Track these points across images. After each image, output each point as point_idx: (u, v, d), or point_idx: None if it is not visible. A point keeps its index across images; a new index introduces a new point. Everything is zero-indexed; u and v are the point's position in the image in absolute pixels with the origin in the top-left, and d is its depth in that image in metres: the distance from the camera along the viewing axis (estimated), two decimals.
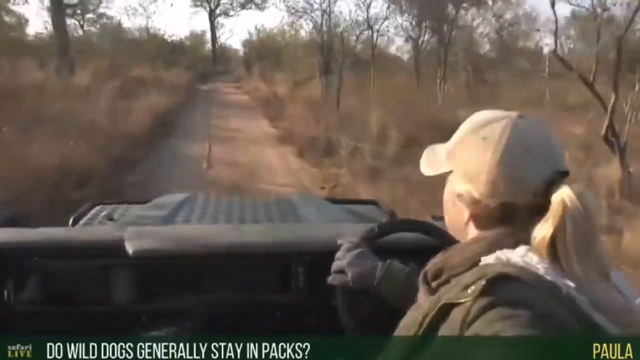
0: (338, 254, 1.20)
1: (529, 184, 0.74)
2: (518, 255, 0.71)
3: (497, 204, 0.76)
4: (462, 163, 0.80)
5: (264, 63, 24.22)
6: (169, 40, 29.00)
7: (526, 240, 0.73)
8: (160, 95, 13.65)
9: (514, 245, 0.73)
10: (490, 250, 0.74)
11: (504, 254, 0.72)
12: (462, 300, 0.69)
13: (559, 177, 0.74)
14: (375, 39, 16.94)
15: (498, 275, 0.69)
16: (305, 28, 18.66)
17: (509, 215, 0.76)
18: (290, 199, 2.31)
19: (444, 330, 0.71)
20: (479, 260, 0.74)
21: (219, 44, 37.00)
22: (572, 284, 0.68)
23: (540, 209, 0.73)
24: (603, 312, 0.68)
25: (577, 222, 0.70)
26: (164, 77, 19.07)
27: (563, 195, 0.71)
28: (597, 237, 0.71)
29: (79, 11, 26.05)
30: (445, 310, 0.72)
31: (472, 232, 0.81)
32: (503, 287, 0.68)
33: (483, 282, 0.68)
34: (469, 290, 0.69)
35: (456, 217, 0.83)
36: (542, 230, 0.71)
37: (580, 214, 0.70)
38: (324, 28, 16.53)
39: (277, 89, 18.22)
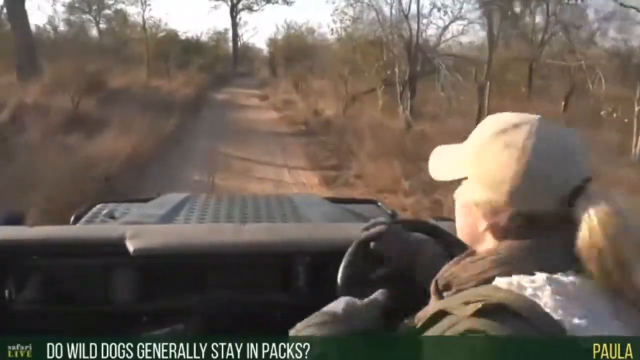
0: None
1: (554, 192, 0.72)
2: (532, 286, 0.68)
3: (518, 213, 0.73)
4: (482, 170, 0.76)
5: (294, 68, 18.85)
6: (182, 37, 24.37)
7: (547, 259, 0.71)
8: (137, 122, 8.19)
9: (531, 264, 0.71)
10: (500, 266, 0.72)
11: (520, 281, 0.69)
12: (456, 312, 0.68)
13: (584, 183, 0.72)
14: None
15: (497, 304, 0.66)
16: (363, 18, 12.67)
17: (529, 226, 0.73)
18: (290, 198, 2.31)
19: (430, 332, 0.71)
20: (492, 278, 0.72)
21: (241, 42, 34.08)
22: (584, 324, 0.65)
23: (562, 219, 0.71)
24: None
25: (618, 240, 0.67)
26: (162, 85, 14.86)
27: (600, 212, 0.68)
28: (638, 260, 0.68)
29: (95, 7, 23.55)
30: (440, 315, 0.71)
31: (488, 242, 0.78)
32: (497, 317, 0.65)
33: (479, 305, 0.66)
34: (469, 307, 0.67)
35: (471, 225, 0.80)
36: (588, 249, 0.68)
37: (620, 233, 0.67)
38: (402, 15, 11.23)
39: (320, 104, 12.93)
